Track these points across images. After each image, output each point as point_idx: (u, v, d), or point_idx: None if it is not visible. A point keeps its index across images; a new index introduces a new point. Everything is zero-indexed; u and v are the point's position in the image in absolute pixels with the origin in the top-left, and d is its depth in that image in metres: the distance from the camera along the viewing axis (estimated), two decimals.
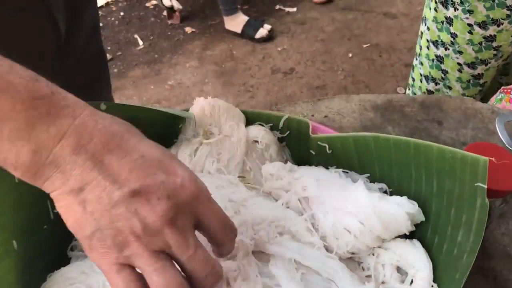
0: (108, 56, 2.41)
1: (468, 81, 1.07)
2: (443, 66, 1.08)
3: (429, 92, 1.15)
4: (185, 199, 0.36)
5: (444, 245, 0.48)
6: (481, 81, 1.07)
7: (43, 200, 0.51)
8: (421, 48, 1.12)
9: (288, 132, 0.62)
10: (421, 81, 1.16)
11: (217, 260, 0.40)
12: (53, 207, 0.51)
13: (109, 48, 2.55)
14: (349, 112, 0.85)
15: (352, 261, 0.51)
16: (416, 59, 1.16)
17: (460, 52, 1.02)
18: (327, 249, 0.50)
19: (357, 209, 0.49)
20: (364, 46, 2.48)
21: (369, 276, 0.50)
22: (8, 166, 0.35)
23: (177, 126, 0.60)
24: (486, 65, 1.03)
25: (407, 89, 1.25)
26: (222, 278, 0.40)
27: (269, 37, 2.47)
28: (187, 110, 0.60)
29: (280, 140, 0.63)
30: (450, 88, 1.11)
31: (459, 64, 1.05)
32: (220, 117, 0.61)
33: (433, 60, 1.09)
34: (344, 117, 0.85)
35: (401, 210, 0.48)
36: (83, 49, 0.76)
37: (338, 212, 0.50)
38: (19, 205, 0.47)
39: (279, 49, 2.44)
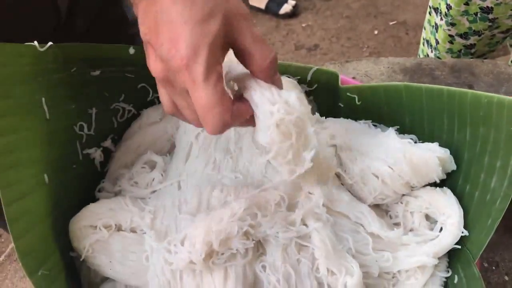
0: None
1: (459, 50, 1.05)
2: (436, 36, 1.06)
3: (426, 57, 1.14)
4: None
5: (476, 192, 0.47)
6: (473, 50, 1.05)
7: (73, 141, 0.51)
8: (428, 12, 1.11)
9: (316, 85, 0.61)
10: (423, 44, 1.15)
11: None
12: (82, 148, 0.53)
13: None
14: (377, 74, 0.84)
15: (380, 209, 0.51)
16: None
17: (453, 24, 1.00)
18: (355, 196, 0.50)
19: (387, 154, 0.48)
20: (391, 23, 2.43)
21: (397, 224, 0.50)
22: None
23: None
24: (479, 35, 1.00)
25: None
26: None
27: (293, 13, 2.44)
28: None
29: (308, 94, 0.62)
30: (439, 58, 1.09)
31: (450, 36, 1.03)
32: None
33: (432, 26, 1.08)
34: (372, 79, 0.83)
35: (432, 155, 0.47)
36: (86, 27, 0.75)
37: (366, 158, 0.49)
38: (51, 141, 0.47)
39: (304, 25, 2.41)
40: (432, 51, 1.11)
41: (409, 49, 2.26)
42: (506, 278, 0.59)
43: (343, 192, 0.49)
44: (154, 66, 0.37)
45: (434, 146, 0.48)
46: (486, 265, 0.61)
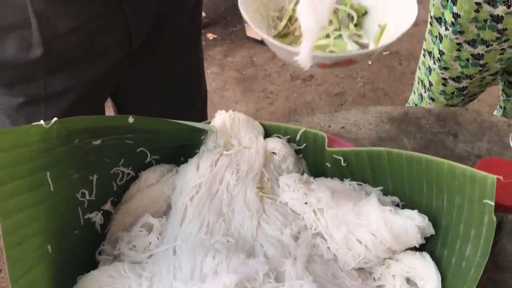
0: None
1: (452, 93, 1.10)
2: (430, 78, 1.11)
3: (420, 97, 1.19)
4: None
5: (453, 258, 0.50)
6: (465, 92, 1.10)
7: (75, 207, 0.55)
8: (423, 54, 1.16)
9: (304, 144, 0.65)
10: (418, 83, 1.20)
11: None
12: (84, 213, 0.56)
13: None
14: (365, 124, 0.87)
15: (364, 271, 0.54)
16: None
17: (446, 68, 1.05)
18: (340, 260, 0.53)
19: (369, 221, 0.51)
20: (384, 53, 2.49)
21: (379, 286, 0.53)
22: None
23: (199, 138, 0.63)
24: (471, 79, 1.05)
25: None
26: None
27: None
28: (209, 123, 0.64)
29: (297, 152, 0.66)
30: (433, 100, 1.14)
31: (444, 79, 1.07)
32: (240, 130, 0.64)
33: (426, 68, 1.13)
34: (361, 128, 0.87)
35: (412, 223, 0.50)
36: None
37: (350, 224, 0.52)
38: (54, 212, 0.50)
39: None
40: (425, 92, 1.15)
41: (402, 79, 2.31)
42: None
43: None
44: None
45: (413, 214, 0.52)
46: None
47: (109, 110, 0.98)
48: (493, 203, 0.46)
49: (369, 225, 0.51)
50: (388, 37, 0.52)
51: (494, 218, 0.46)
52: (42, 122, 0.49)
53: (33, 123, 0.48)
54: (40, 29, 0.62)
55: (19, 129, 0.46)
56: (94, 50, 0.70)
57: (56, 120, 0.50)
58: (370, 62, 2.40)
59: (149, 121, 0.58)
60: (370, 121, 0.88)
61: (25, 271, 0.44)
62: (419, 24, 2.76)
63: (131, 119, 0.58)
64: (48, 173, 0.49)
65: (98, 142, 0.56)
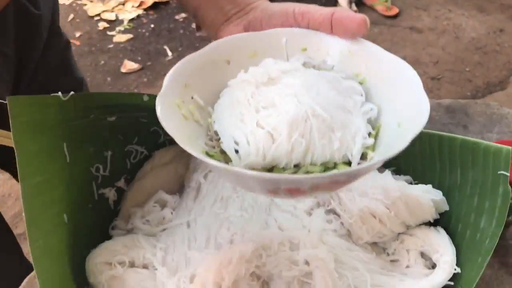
0: (138, 66, 2.48)
1: None
2: None
3: None
4: None
5: (467, 231, 0.50)
6: None
7: (90, 182, 0.55)
8: None
9: None
10: None
11: None
12: (98, 188, 0.56)
13: (139, 58, 2.64)
14: None
15: (377, 246, 0.54)
16: None
17: None
18: (353, 234, 0.53)
19: (384, 195, 0.51)
20: None
21: (394, 261, 0.52)
22: None
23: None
24: None
25: None
26: None
27: None
28: None
29: None
30: None
31: None
32: None
33: None
34: None
35: (427, 196, 0.50)
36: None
37: (365, 198, 0.52)
38: (70, 183, 0.51)
39: None
40: None
41: None
42: None
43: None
44: None
45: (428, 188, 0.52)
46: None
47: None
48: (508, 174, 0.46)
49: (384, 199, 0.51)
50: (393, 142, 0.38)
51: (509, 188, 0.46)
52: (59, 93, 0.49)
53: (51, 94, 0.49)
54: None
55: (36, 97, 0.47)
56: None
57: (72, 94, 0.51)
58: None
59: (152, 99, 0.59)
60: None
61: (43, 235, 0.45)
62: (424, 31, 2.77)
63: (145, 97, 0.58)
64: (65, 144, 0.50)
65: (113, 118, 0.56)
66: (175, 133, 0.36)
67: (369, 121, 0.41)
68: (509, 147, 0.47)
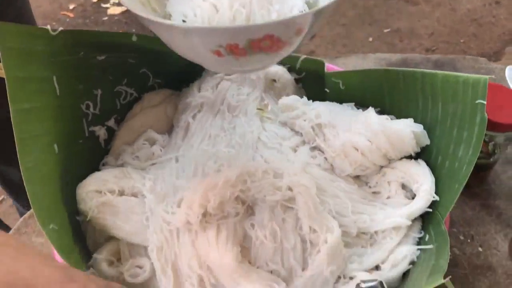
0: None
1: None
2: None
3: None
4: None
5: (446, 162, 0.51)
6: None
7: (80, 118, 0.56)
8: None
9: (304, 73, 0.66)
10: None
11: None
12: (88, 125, 0.58)
13: (133, 30, 2.62)
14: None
15: (360, 180, 0.55)
16: None
17: None
18: (337, 168, 0.54)
19: (366, 129, 0.53)
20: (385, 31, 2.49)
21: (375, 193, 0.54)
22: None
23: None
24: None
25: None
26: None
27: None
28: None
29: (297, 81, 0.67)
30: None
31: None
32: None
33: None
34: None
35: (408, 129, 0.52)
36: None
37: (348, 133, 0.54)
38: (60, 116, 0.52)
39: None
40: None
41: None
42: (480, 249, 0.64)
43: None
44: None
45: (409, 121, 0.53)
46: (462, 238, 0.65)
47: None
48: (485, 102, 0.47)
49: (366, 132, 0.52)
50: None
51: (486, 115, 0.47)
52: (48, 27, 0.50)
53: (39, 27, 0.50)
54: None
55: (25, 27, 0.48)
56: None
57: (62, 30, 0.52)
58: (370, 39, 2.41)
59: (152, 41, 0.60)
60: (369, 66, 0.90)
61: (34, 162, 0.46)
62: (419, 3, 2.76)
63: (134, 38, 0.59)
64: (54, 77, 0.51)
65: (102, 57, 0.57)
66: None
67: (308, 3, 0.44)
68: (487, 76, 0.48)
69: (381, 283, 0.33)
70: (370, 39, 2.40)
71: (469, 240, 0.65)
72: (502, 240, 0.65)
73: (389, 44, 2.37)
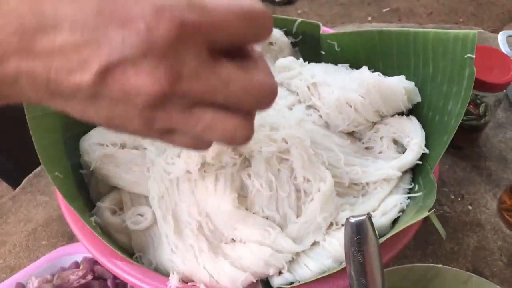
0: None
1: None
2: None
3: None
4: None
5: (436, 116, 0.53)
6: None
7: None
8: None
9: (300, 36, 0.68)
10: None
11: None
12: None
13: None
14: None
15: (353, 136, 0.57)
16: None
17: None
18: (331, 124, 0.56)
19: (359, 85, 0.54)
20: (384, 10, 2.50)
21: (368, 148, 0.56)
22: None
23: None
24: None
25: None
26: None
27: (289, 1, 2.50)
28: None
29: (293, 45, 0.69)
30: None
31: None
32: None
33: None
34: None
35: (399, 84, 0.54)
36: None
37: (342, 90, 0.55)
38: None
39: (299, 11, 2.48)
40: None
41: None
42: (470, 207, 0.66)
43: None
44: (147, 78, 0.25)
45: (401, 78, 0.55)
46: (453, 197, 0.67)
47: None
48: (473, 56, 0.49)
49: (359, 88, 0.54)
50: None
51: (474, 69, 0.49)
52: None
53: None
54: None
55: None
56: None
57: None
58: (369, 18, 2.41)
59: None
60: None
61: (40, 114, 0.48)
62: None
63: None
64: None
65: None
66: None
67: None
68: (475, 31, 0.50)
69: (369, 217, 0.35)
70: (369, 18, 2.41)
71: (459, 199, 0.67)
72: (491, 199, 0.67)
73: (388, 23, 2.37)
